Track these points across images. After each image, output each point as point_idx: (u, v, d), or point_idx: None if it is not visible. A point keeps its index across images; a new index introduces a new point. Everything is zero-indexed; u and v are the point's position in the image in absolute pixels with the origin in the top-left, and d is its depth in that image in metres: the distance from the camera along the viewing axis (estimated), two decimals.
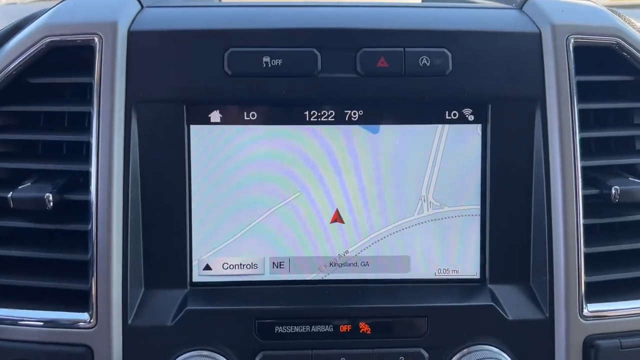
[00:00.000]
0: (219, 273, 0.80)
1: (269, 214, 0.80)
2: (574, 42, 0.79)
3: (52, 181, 0.78)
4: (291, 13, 0.82)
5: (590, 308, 0.77)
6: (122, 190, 0.76)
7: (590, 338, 0.76)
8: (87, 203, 0.76)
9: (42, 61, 0.79)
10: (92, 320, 0.74)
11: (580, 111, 0.79)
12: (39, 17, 0.85)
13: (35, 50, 0.78)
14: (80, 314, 0.75)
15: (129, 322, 0.75)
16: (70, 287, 0.76)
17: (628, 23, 0.88)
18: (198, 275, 0.80)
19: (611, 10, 0.89)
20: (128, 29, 0.78)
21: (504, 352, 0.77)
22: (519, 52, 0.79)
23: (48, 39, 0.78)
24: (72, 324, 0.75)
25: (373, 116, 0.79)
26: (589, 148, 0.83)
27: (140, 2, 0.83)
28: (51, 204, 0.75)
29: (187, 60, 0.77)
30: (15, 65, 0.78)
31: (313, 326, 0.76)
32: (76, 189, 0.78)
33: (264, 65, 0.77)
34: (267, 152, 0.79)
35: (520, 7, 0.86)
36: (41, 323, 0.75)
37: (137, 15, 0.81)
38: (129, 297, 0.76)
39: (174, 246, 0.78)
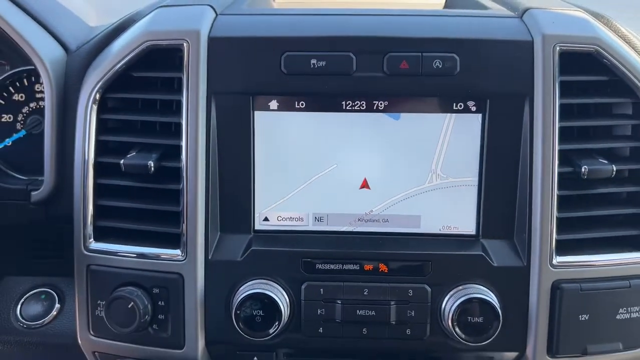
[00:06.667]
0: (275, 223, 1.02)
1: (313, 180, 1.00)
2: (559, 49, 0.96)
3: (150, 152, 1.02)
4: (332, 22, 1.01)
5: (559, 259, 0.92)
6: (205, 159, 0.98)
7: (557, 282, 0.92)
8: (178, 169, 0.99)
9: (142, 59, 1.02)
10: (183, 255, 0.96)
11: (562, 105, 0.97)
12: (136, 20, 1.08)
13: (138, 51, 1.00)
14: (175, 250, 0.95)
15: (209, 257, 0.95)
16: (168, 230, 0.99)
17: (612, 29, 1.03)
18: (259, 225, 0.99)
19: (598, 18, 1.05)
20: (208, 35, 0.99)
21: (490, 290, 0.93)
22: (514, 56, 0.96)
23: (148, 43, 0.99)
24: (169, 258, 0.95)
25: (395, 106, 0.99)
26: (571, 135, 1.00)
27: (215, 10, 1.05)
28: (152, 169, 0.99)
29: (253, 61, 0.97)
30: (123, 63, 1.00)
31: (344, 265, 0.94)
32: (169, 158, 1.02)
33: (312, 66, 0.96)
34: (312, 132, 0.96)
35: (521, 16, 1.02)
36: (150, 256, 0.98)
37: (213, 22, 1.02)
38: (209, 239, 0.94)
39: (242, 202, 1.00)
